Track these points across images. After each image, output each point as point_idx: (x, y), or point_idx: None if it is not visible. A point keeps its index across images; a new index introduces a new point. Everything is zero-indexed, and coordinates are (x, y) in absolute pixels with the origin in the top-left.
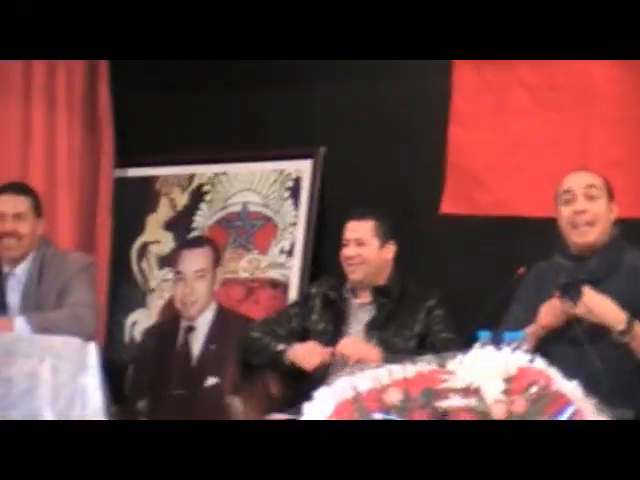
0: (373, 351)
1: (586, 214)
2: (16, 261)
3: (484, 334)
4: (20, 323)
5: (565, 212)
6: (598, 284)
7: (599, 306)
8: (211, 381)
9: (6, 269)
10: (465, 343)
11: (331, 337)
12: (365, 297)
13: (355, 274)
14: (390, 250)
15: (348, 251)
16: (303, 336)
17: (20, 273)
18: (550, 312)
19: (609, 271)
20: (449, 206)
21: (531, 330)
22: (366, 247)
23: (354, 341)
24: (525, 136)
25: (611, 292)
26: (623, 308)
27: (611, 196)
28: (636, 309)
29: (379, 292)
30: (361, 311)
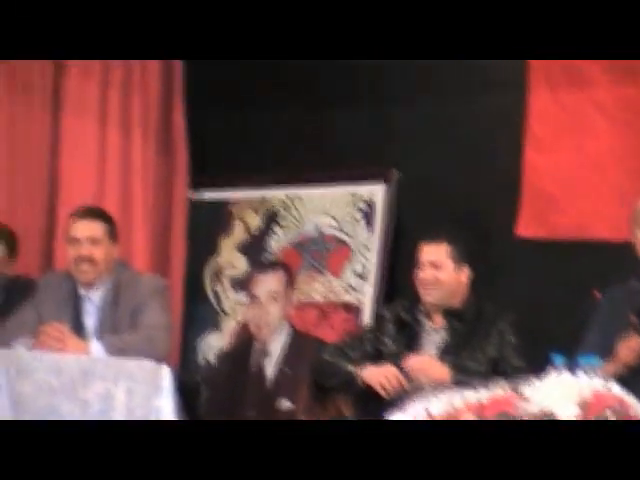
0: (443, 369)
1: None
2: (92, 285)
3: (558, 357)
4: (95, 346)
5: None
6: None
7: None
8: (284, 404)
9: (82, 292)
10: (539, 366)
11: (403, 360)
12: (439, 320)
13: (430, 296)
14: (465, 273)
15: (424, 274)
16: (376, 359)
17: (96, 297)
18: (630, 350)
19: None
20: (525, 229)
21: (610, 367)
22: (442, 270)
23: (424, 359)
24: (601, 158)
25: None
26: None
27: None
28: None
29: (453, 316)
30: (435, 334)
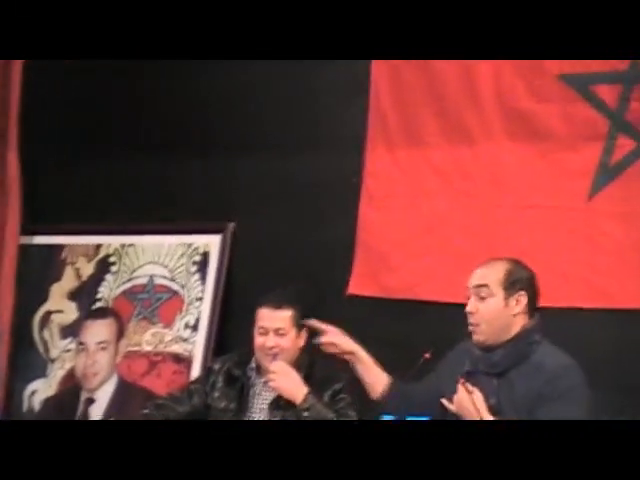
0: (300, 390)
1: (473, 316)
2: None
3: (387, 417)
4: None
5: None
6: (499, 376)
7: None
8: None
9: None
10: None
11: (233, 415)
12: None
13: (272, 364)
14: (303, 337)
15: (268, 341)
16: (205, 413)
17: None
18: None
19: (510, 364)
20: (356, 287)
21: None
22: (285, 337)
23: (290, 371)
24: (435, 219)
25: (510, 386)
26: (520, 404)
27: (523, 289)
28: (530, 405)
29: None
30: (265, 390)
